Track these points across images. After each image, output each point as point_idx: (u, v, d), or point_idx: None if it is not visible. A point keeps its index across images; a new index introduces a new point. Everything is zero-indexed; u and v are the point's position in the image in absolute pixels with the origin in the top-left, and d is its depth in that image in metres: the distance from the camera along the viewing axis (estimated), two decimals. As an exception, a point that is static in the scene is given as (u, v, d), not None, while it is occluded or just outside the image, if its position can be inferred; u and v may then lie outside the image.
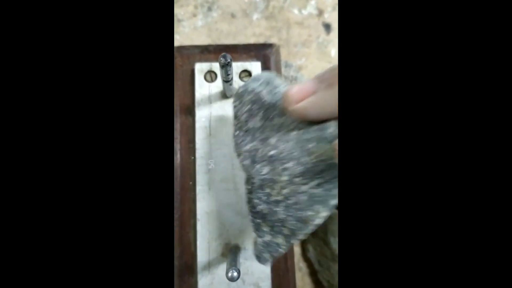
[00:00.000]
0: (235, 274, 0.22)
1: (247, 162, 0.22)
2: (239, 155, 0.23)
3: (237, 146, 0.23)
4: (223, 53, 0.23)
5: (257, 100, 0.22)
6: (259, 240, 0.22)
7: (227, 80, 0.26)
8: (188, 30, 0.43)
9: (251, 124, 0.22)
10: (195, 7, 0.44)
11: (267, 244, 0.22)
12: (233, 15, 0.43)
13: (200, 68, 0.31)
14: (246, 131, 0.22)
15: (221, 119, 0.30)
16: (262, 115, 0.22)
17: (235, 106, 0.23)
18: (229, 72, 0.25)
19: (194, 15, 0.44)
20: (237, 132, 0.23)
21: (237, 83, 0.30)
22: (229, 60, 0.24)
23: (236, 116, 0.23)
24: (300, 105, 0.19)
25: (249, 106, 0.22)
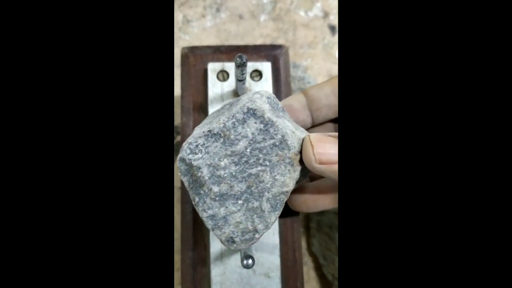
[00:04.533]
0: (250, 261, 0.24)
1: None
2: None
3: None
4: (239, 54, 0.25)
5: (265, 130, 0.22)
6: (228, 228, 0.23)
7: (241, 79, 0.28)
8: (197, 31, 0.44)
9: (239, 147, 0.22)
10: (204, 8, 0.45)
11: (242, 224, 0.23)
12: (241, 17, 0.45)
13: (213, 67, 0.32)
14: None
15: (233, 116, 0.31)
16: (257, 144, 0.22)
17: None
18: (243, 72, 0.26)
19: (203, 16, 0.45)
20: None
21: (248, 82, 0.32)
22: (244, 60, 0.25)
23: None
24: (327, 168, 0.21)
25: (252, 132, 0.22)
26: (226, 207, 0.23)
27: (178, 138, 0.41)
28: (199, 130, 0.23)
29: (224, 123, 0.22)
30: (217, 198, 0.23)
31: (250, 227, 0.23)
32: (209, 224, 0.23)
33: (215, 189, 0.23)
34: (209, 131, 0.22)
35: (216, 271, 0.29)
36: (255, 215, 0.23)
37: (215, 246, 0.30)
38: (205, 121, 0.25)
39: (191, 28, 0.44)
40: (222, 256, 0.29)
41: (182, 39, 0.44)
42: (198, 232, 0.31)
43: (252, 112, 0.22)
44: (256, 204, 0.23)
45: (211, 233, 0.30)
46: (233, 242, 0.23)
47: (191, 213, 0.31)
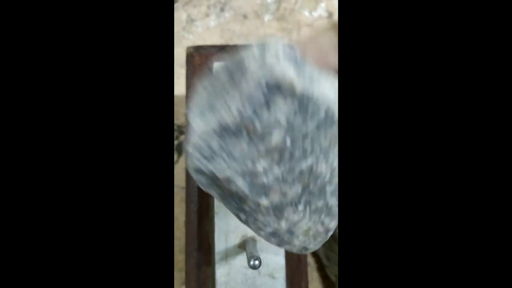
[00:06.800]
0: (257, 262, 0.24)
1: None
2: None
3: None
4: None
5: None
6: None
7: (247, 79, 0.27)
8: (201, 30, 0.44)
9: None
10: (208, 7, 0.45)
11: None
12: (245, 16, 0.44)
13: (218, 67, 0.32)
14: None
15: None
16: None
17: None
18: (250, 71, 0.26)
19: (207, 15, 0.45)
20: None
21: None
22: (252, 60, 0.25)
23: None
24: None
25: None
26: (287, 219, 0.18)
27: (182, 138, 0.41)
28: (199, 123, 0.17)
29: (240, 113, 0.16)
30: (270, 212, 0.18)
31: (321, 229, 0.19)
32: (273, 241, 0.19)
33: (264, 202, 0.18)
34: (222, 127, 0.17)
35: (221, 272, 0.29)
36: (323, 215, 0.18)
37: (220, 246, 0.29)
38: (197, 98, 0.19)
39: (195, 28, 0.44)
40: (227, 256, 0.29)
41: (186, 39, 0.44)
42: (203, 232, 0.30)
43: (276, 87, 0.16)
44: (320, 203, 0.18)
45: (216, 233, 0.30)
46: (307, 249, 0.19)
47: (196, 212, 0.31)
